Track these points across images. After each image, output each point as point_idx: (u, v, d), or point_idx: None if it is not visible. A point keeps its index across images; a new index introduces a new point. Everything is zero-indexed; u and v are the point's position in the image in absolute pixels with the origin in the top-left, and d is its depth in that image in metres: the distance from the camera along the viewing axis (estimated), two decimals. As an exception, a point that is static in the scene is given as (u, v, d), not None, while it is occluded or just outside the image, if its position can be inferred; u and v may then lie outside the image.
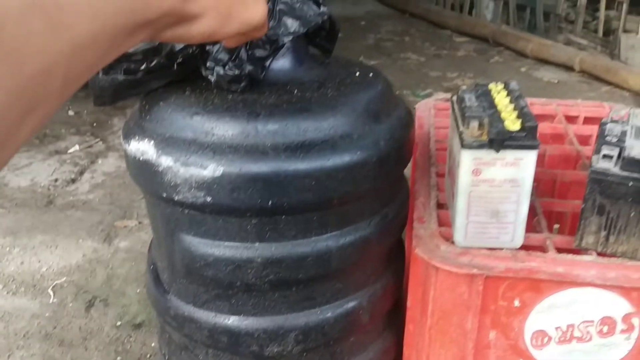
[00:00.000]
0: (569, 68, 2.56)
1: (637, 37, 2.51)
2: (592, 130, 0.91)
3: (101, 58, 0.35)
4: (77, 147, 1.73)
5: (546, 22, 3.08)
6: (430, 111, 0.99)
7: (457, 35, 3.27)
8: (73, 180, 1.53)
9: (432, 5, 3.90)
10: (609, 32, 2.74)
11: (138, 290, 1.12)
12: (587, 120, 0.95)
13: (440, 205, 0.71)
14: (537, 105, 0.99)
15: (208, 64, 0.60)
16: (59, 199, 1.43)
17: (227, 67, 0.59)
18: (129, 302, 1.10)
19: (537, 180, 0.83)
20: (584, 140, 0.89)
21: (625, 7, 2.58)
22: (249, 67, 0.59)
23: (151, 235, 1.27)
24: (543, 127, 0.93)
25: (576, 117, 0.96)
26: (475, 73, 2.53)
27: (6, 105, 0.28)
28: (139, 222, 1.33)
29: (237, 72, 0.59)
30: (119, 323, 1.05)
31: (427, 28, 3.49)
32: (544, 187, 0.84)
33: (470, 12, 3.61)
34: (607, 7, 2.77)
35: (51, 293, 1.12)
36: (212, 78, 0.60)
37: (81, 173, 1.57)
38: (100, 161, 1.65)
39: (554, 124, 0.94)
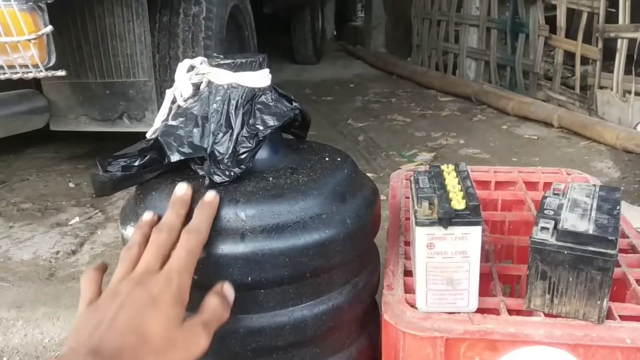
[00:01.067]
0: (548, 124, 2.68)
1: (612, 93, 2.64)
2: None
3: None
4: (77, 218, 1.81)
5: (526, 80, 3.23)
6: (401, 182, 1.07)
7: (442, 94, 3.41)
8: (74, 252, 1.60)
9: (418, 66, 4.07)
10: (586, 87, 2.88)
11: None
12: (546, 186, 1.04)
13: (407, 273, 0.79)
14: (501, 172, 1.08)
15: (199, 172, 0.70)
16: (60, 271, 1.50)
17: (217, 177, 0.68)
18: (127, 370, 1.15)
19: (500, 244, 0.91)
20: (542, 205, 0.97)
21: (599, 64, 2.72)
22: (236, 171, 0.68)
23: (148, 304, 1.33)
24: (505, 195, 1.02)
25: (536, 184, 1.05)
26: (459, 132, 2.64)
27: None
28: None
29: (226, 178, 0.68)
30: (117, 391, 1.10)
31: (413, 88, 3.64)
32: (506, 251, 0.91)
33: (454, 72, 3.77)
34: (583, 63, 2.91)
35: (53, 364, 1.18)
36: (206, 182, 0.69)
37: (81, 245, 1.65)
38: (99, 232, 1.73)
39: (515, 191, 1.02)
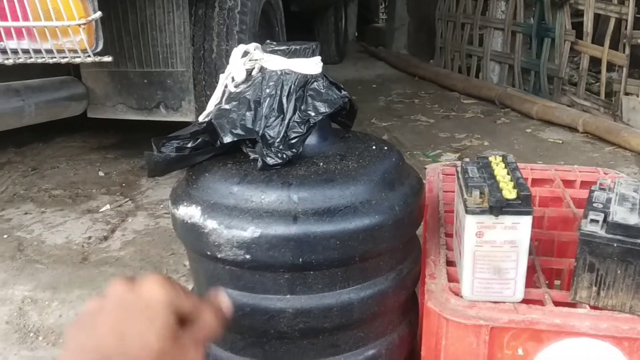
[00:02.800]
0: (573, 129, 2.66)
1: (638, 99, 2.62)
2: (588, 194, 1.00)
3: None
4: (108, 206, 1.84)
5: (550, 85, 3.22)
6: (438, 176, 1.08)
7: (465, 97, 3.41)
8: (105, 238, 1.63)
9: (440, 68, 4.07)
10: (611, 94, 2.86)
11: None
12: (583, 184, 1.04)
13: (449, 263, 0.80)
14: (537, 170, 1.09)
15: (251, 155, 0.71)
16: (93, 255, 1.52)
17: (269, 158, 0.69)
18: (160, 354, 1.17)
19: (538, 239, 0.92)
20: (580, 203, 0.98)
21: (625, 70, 2.71)
22: (288, 154, 0.70)
23: (179, 290, 1.35)
24: (543, 191, 1.02)
25: (573, 182, 1.05)
26: (483, 134, 2.64)
27: None
28: (187, 250, 1.41)
29: (279, 161, 0.69)
30: (150, 373, 1.12)
31: (435, 90, 3.64)
32: (545, 246, 0.92)
33: (477, 75, 3.76)
34: (609, 69, 2.90)
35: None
36: (259, 164, 0.70)
37: (113, 231, 1.67)
38: (130, 219, 1.75)
39: (553, 188, 1.03)
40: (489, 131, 2.70)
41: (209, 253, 0.69)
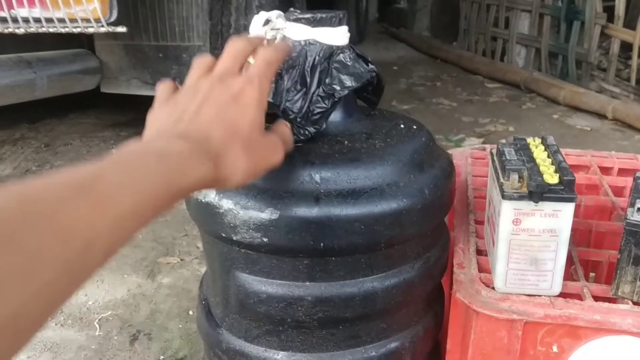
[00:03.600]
0: (601, 116, 2.58)
1: (671, 86, 2.53)
2: (626, 181, 0.94)
3: (139, 227, 0.39)
4: (121, 184, 1.81)
5: (578, 70, 3.12)
6: (467, 160, 1.03)
7: (489, 81, 3.32)
8: (118, 217, 1.60)
9: (464, 51, 3.97)
10: (641, 80, 2.77)
11: (180, 326, 1.16)
12: (621, 172, 0.98)
13: (479, 252, 0.75)
14: (571, 156, 1.02)
15: None
16: (105, 234, 1.50)
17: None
18: (172, 337, 1.14)
19: (573, 229, 0.86)
20: (618, 191, 0.92)
21: (657, 56, 2.61)
22: (311, 131, 0.65)
23: (193, 272, 1.32)
24: (578, 178, 0.95)
25: (610, 169, 0.99)
26: (508, 119, 2.56)
27: (56, 276, 0.31)
28: (181, 259, 1.38)
29: (301, 137, 0.64)
30: (162, 357, 1.09)
31: (458, 73, 3.55)
32: (580, 236, 0.86)
33: (502, 59, 3.67)
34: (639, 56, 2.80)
35: (97, 326, 1.17)
36: None
37: (126, 210, 1.65)
38: (143, 198, 1.72)
39: (589, 175, 0.96)
40: (514, 116, 2.63)
41: (223, 235, 0.64)
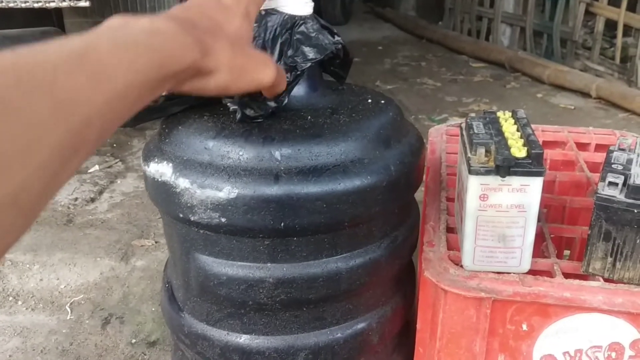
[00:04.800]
0: (585, 94, 2.56)
1: (654, 64, 2.51)
2: (603, 157, 0.91)
3: (131, 108, 0.38)
4: (97, 167, 1.77)
5: (563, 49, 3.09)
6: (442, 137, 1.00)
7: (474, 60, 3.29)
8: (92, 200, 1.57)
9: (449, 30, 3.94)
10: (626, 59, 2.75)
11: (153, 309, 1.14)
12: (598, 148, 0.96)
13: (449, 229, 0.73)
14: (548, 132, 1.01)
15: (230, 106, 0.63)
16: (79, 217, 1.46)
17: (249, 110, 0.62)
18: (144, 320, 1.12)
19: (547, 206, 0.85)
20: (594, 167, 0.90)
21: (642, 34, 2.59)
22: (272, 105, 0.62)
23: (167, 255, 1.29)
24: (554, 154, 0.94)
25: (587, 145, 0.97)
26: (492, 98, 2.54)
27: (56, 151, 0.30)
28: (156, 242, 1.35)
29: (261, 112, 0.62)
30: (134, 340, 1.07)
31: (443, 53, 3.52)
32: (554, 213, 0.85)
33: (487, 38, 3.63)
34: (625, 34, 2.78)
35: (69, 310, 1.15)
36: (237, 116, 0.62)
37: (100, 193, 1.61)
38: (119, 181, 1.69)
39: (565, 151, 0.95)
40: (498, 96, 2.60)
41: (181, 215, 0.62)
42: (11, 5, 1.03)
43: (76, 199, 1.57)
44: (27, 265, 1.25)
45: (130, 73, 0.37)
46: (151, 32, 0.41)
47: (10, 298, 1.17)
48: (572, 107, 2.44)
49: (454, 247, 0.69)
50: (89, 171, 1.75)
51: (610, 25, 2.85)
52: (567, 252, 0.90)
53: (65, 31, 1.50)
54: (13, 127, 0.27)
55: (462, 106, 2.46)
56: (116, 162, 1.82)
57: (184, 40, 0.43)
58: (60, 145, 0.30)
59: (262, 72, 0.52)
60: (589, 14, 2.97)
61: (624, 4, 2.69)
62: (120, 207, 1.52)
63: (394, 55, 3.48)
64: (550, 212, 0.85)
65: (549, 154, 0.94)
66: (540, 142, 0.97)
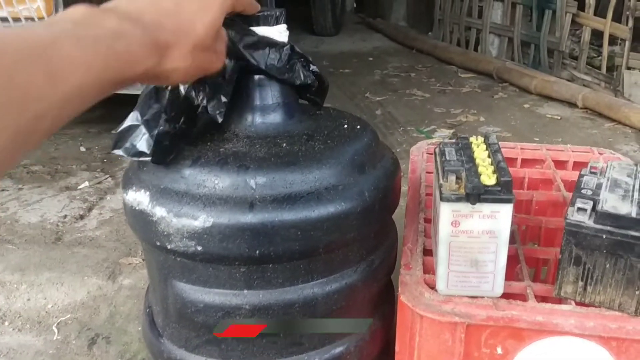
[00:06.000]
0: (572, 104, 2.58)
1: (640, 74, 2.54)
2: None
3: (84, 105, 0.40)
4: (87, 183, 1.77)
5: (550, 59, 3.12)
6: (422, 155, 1.02)
7: (463, 71, 3.31)
8: (81, 217, 1.57)
9: (439, 41, 3.96)
10: (612, 68, 2.77)
11: (139, 328, 1.14)
12: (576, 165, 0.98)
13: (426, 252, 0.74)
14: (527, 149, 1.02)
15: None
16: (67, 235, 1.47)
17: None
18: (130, 340, 1.12)
19: (525, 224, 0.86)
20: (572, 185, 0.91)
21: (628, 44, 2.61)
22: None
23: (154, 273, 1.29)
24: (532, 173, 0.96)
25: (565, 162, 0.99)
26: (479, 109, 2.56)
27: (7, 143, 0.31)
28: (143, 260, 1.36)
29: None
30: (119, 361, 1.07)
31: (433, 64, 3.54)
32: (532, 232, 0.86)
33: (475, 48, 3.66)
34: (611, 43, 2.80)
35: (55, 330, 1.15)
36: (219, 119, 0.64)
37: (90, 209, 1.61)
38: (108, 197, 1.69)
39: (543, 169, 0.96)
40: (486, 106, 2.62)
41: (158, 243, 0.63)
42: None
43: (65, 216, 1.57)
44: (15, 285, 1.25)
45: (88, 74, 0.38)
46: (115, 35, 0.42)
47: (-3, 319, 1.17)
48: (559, 118, 2.46)
49: (430, 269, 0.70)
50: (79, 187, 1.75)
51: (598, 34, 2.88)
52: (544, 269, 0.91)
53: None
54: None
55: (450, 117, 2.47)
56: (106, 178, 1.82)
57: (145, 51, 0.45)
58: (8, 138, 0.31)
59: (216, 64, 0.55)
60: (576, 24, 3.00)
61: (610, 15, 2.72)
62: (109, 224, 1.53)
63: (384, 66, 3.50)
64: (529, 232, 0.86)
65: (528, 172, 0.95)
66: (519, 161, 0.99)
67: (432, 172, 0.95)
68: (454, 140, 0.69)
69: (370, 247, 0.69)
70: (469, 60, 3.37)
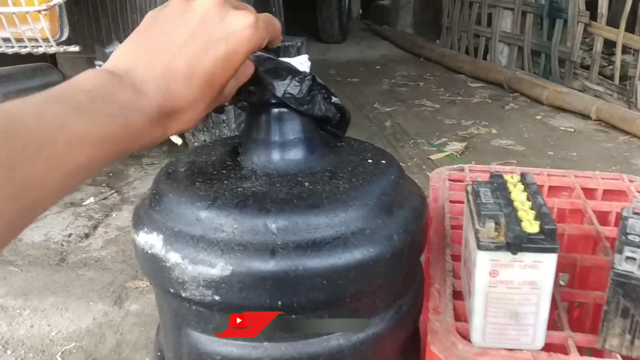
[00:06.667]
0: (585, 116, 2.54)
1: (655, 85, 2.49)
2: (611, 206, 0.89)
3: (87, 178, 0.39)
4: (92, 199, 1.73)
5: (561, 69, 3.08)
6: (444, 182, 0.97)
7: (472, 80, 3.27)
8: (87, 236, 1.53)
9: (447, 49, 3.92)
10: (625, 77, 2.73)
11: (147, 359, 1.10)
12: (606, 194, 0.93)
13: (456, 295, 0.69)
14: (554, 176, 0.97)
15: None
16: (72, 255, 1.42)
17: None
18: (138, 371, 1.08)
19: (558, 262, 0.81)
20: (603, 217, 0.87)
21: (641, 55, 2.57)
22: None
23: (162, 299, 1.25)
24: (561, 203, 0.91)
25: (595, 191, 0.94)
26: (490, 121, 2.52)
27: (4, 225, 0.31)
28: (150, 283, 1.31)
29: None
30: (126, 393, 1.03)
31: (441, 72, 3.50)
32: (563, 268, 0.81)
33: (484, 57, 3.62)
34: (623, 52, 2.76)
35: (60, 359, 1.11)
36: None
37: (95, 227, 1.57)
38: (114, 214, 1.65)
39: (572, 199, 0.91)
40: (497, 118, 2.58)
41: (172, 290, 0.58)
42: (-1, 50, 1.00)
43: (70, 234, 1.53)
44: (18, 311, 1.21)
45: (95, 150, 0.37)
46: (129, 111, 0.41)
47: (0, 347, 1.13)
48: (572, 130, 2.42)
49: (462, 316, 0.66)
50: (84, 204, 1.71)
51: (608, 42, 2.83)
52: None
53: (58, 66, 1.47)
54: None
55: (462, 129, 2.43)
56: (112, 194, 1.78)
57: (156, 126, 0.44)
58: (3, 222, 0.31)
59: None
60: (586, 32, 2.95)
61: (623, 25, 2.68)
62: (115, 244, 1.48)
63: (392, 74, 3.47)
64: (559, 267, 0.82)
65: (556, 202, 0.91)
66: (547, 188, 0.95)
67: (456, 202, 0.90)
68: (488, 180, 0.65)
69: (398, 292, 0.64)
70: (478, 70, 3.33)
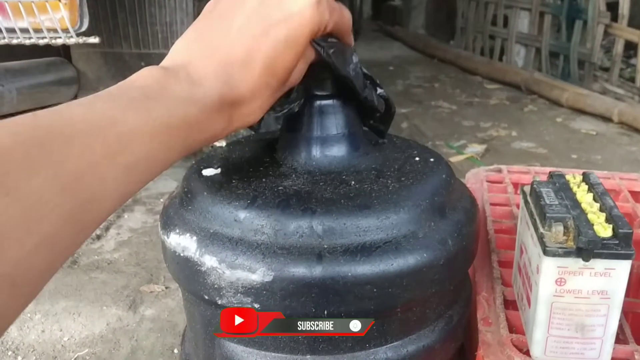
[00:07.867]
0: (606, 119, 2.48)
1: (677, 87, 2.43)
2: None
3: (147, 178, 0.37)
4: (104, 199, 1.69)
5: (580, 70, 3.02)
6: (482, 184, 0.92)
7: (488, 81, 3.22)
8: (98, 237, 1.48)
9: (462, 50, 3.87)
10: (643, 80, 2.67)
11: (164, 366, 1.05)
12: (654, 197, 0.88)
13: (507, 304, 0.64)
14: (599, 178, 0.92)
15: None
16: (84, 257, 1.38)
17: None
18: (155, 379, 1.03)
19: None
20: (654, 221, 0.81)
21: (663, 57, 2.52)
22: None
23: (178, 302, 1.21)
24: (609, 206, 0.86)
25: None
26: (510, 123, 2.46)
27: (58, 229, 0.29)
28: (166, 287, 1.27)
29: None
30: (143, 402, 0.98)
31: (456, 74, 3.45)
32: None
33: (500, 58, 3.57)
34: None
35: (73, 365, 1.06)
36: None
37: (107, 229, 1.53)
38: (126, 215, 1.60)
39: (621, 202, 0.86)
40: (516, 120, 2.52)
41: (206, 297, 0.53)
42: (14, 42, 0.95)
43: (82, 235, 1.49)
44: (29, 315, 1.16)
45: (153, 143, 0.36)
46: (186, 104, 0.39)
47: (10, 352, 1.08)
48: (594, 133, 2.36)
49: (514, 326, 0.61)
50: (95, 204, 1.67)
51: (629, 45, 2.78)
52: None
53: (72, 61, 1.43)
54: (10, 204, 0.26)
55: (480, 131, 2.38)
56: (124, 194, 1.74)
57: (216, 117, 0.42)
58: (63, 221, 0.29)
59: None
60: (606, 34, 2.90)
61: (645, 26, 2.62)
62: (128, 246, 1.44)
63: (406, 75, 3.42)
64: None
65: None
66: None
67: (496, 205, 0.85)
68: (549, 180, 0.60)
69: (449, 301, 0.59)
70: (494, 71, 3.27)
